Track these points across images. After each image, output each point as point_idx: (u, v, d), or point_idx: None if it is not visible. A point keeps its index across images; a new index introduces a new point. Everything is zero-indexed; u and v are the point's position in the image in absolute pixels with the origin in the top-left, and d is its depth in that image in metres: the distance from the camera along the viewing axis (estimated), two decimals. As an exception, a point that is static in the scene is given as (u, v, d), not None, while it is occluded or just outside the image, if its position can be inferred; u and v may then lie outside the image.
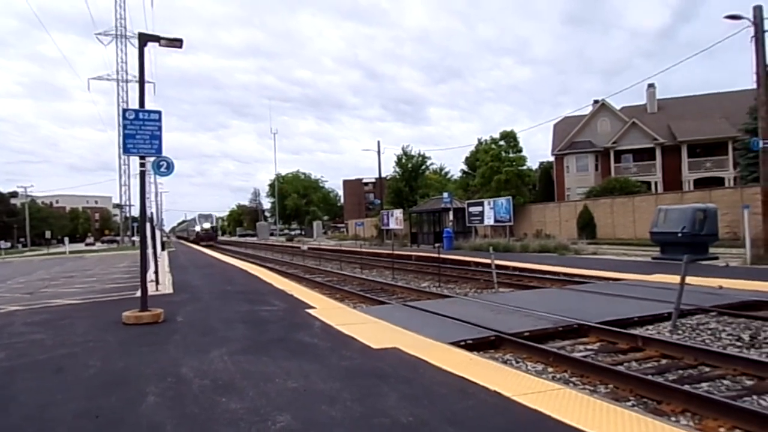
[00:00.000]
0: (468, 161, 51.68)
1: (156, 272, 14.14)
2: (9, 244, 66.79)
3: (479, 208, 31.47)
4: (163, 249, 27.49)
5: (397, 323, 7.44)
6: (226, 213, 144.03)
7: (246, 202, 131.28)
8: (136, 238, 74.14)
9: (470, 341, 6.74)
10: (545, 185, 48.75)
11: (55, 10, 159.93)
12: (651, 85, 46.52)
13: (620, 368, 5.75)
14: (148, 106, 8.79)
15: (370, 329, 7.08)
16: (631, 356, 6.42)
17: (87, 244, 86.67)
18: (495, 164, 41.72)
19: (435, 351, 5.69)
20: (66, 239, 58.17)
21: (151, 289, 10.82)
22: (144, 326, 7.86)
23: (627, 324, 7.78)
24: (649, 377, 5.25)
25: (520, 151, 43.13)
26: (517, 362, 6.31)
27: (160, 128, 8.43)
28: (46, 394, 4.65)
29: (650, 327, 7.84)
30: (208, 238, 63.53)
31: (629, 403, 4.71)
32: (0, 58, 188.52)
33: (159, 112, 8.52)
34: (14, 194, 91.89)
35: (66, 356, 6.18)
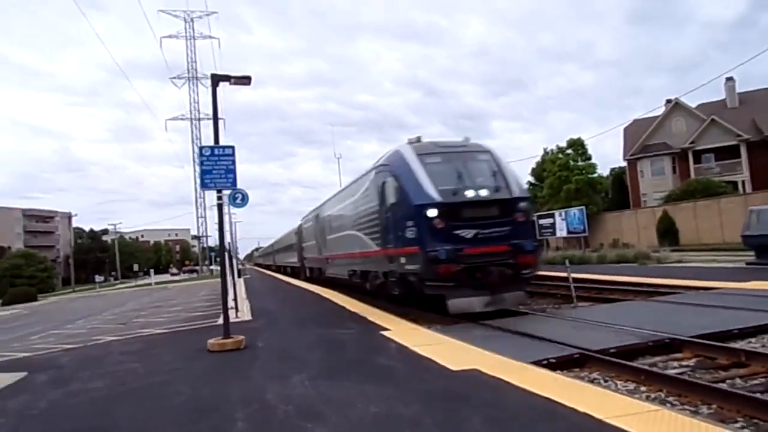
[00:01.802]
0: (534, 172, 50.35)
1: (235, 299, 14.71)
2: (102, 278, 72.12)
3: (550, 220, 30.51)
4: (239, 276, 28.63)
5: (475, 343, 7.27)
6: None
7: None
8: (213, 267, 77.76)
9: (552, 360, 6.47)
10: (618, 192, 46.53)
11: (137, 59, 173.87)
12: (730, 79, 43.45)
13: (723, 386, 5.31)
14: (220, 141, 9.28)
15: (447, 350, 6.97)
16: (733, 372, 5.92)
17: (172, 275, 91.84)
18: (563, 174, 40.42)
19: (516, 371, 5.51)
20: (152, 271, 62.06)
21: (230, 316, 11.26)
22: (227, 353, 8.17)
23: (726, 337, 7.19)
24: (758, 395, 4.81)
25: (589, 158, 41.61)
26: (606, 381, 5.97)
27: (234, 162, 8.85)
28: (143, 421, 4.91)
29: (753, 340, 7.21)
30: None
31: (738, 425, 4.33)
32: (91, 108, 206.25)
33: (232, 147, 8.95)
34: (105, 231, 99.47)
35: (159, 384, 6.51)
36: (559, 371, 5.77)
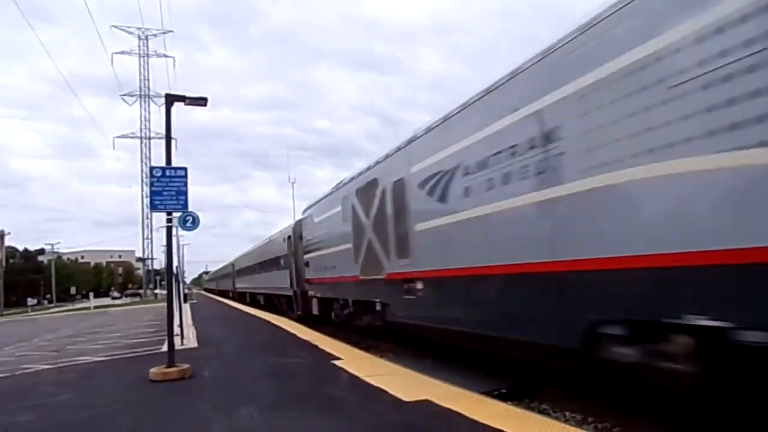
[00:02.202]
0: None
1: (180, 326, 14.12)
2: (35, 301, 67.80)
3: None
4: (185, 301, 27.61)
5: (426, 373, 7.25)
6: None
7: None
8: (158, 291, 74.77)
9: (503, 390, 6.53)
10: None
11: (87, 74, 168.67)
12: None
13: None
14: (172, 162, 9.03)
15: (399, 380, 6.90)
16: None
17: (113, 298, 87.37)
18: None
19: (468, 402, 5.50)
20: (91, 294, 58.92)
21: (176, 343, 10.78)
22: (171, 383, 7.79)
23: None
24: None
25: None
26: (555, 412, 6.06)
27: (186, 184, 8.61)
28: (76, 459, 4.57)
29: None
30: None
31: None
32: (33, 121, 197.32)
33: (185, 169, 8.73)
34: (41, 251, 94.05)
35: (94, 418, 6.11)
36: (510, 402, 5.81)
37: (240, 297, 39.78)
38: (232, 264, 44.22)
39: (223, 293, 53.91)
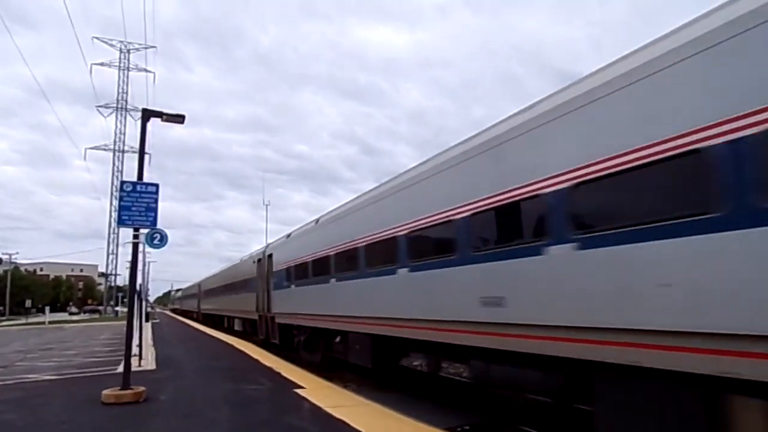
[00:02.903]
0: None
1: (140, 345, 13.64)
2: (-14, 313, 64.73)
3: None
4: (147, 320, 26.74)
5: (390, 406, 7.14)
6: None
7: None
8: (119, 308, 72.30)
9: (467, 427, 6.46)
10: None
11: (64, 83, 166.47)
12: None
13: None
14: (144, 177, 8.88)
15: (361, 412, 6.77)
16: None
17: (71, 314, 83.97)
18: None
19: (431, 438, 5.42)
20: (47, 308, 56.50)
21: (133, 364, 10.40)
22: (124, 406, 7.47)
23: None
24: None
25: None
26: (516, 451, 6.01)
27: (156, 201, 8.47)
28: (14, 484, 4.31)
29: None
30: None
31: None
32: (2, 127, 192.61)
33: (156, 185, 8.59)
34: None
35: (38, 439, 5.80)
36: (472, 439, 5.74)
37: (205, 319, 38.94)
38: (198, 284, 44.09)
39: (186, 314, 52.35)
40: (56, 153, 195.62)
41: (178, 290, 63.25)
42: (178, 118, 9.32)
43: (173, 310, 77.61)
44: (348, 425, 6.04)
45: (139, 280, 10.22)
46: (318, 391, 8.45)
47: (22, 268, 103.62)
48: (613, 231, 4.40)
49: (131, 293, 9.06)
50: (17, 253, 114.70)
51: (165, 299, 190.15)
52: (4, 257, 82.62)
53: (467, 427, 6.50)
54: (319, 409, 7.03)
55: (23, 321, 59.15)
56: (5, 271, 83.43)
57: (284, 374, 10.49)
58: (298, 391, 8.46)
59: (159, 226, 8.85)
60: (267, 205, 48.99)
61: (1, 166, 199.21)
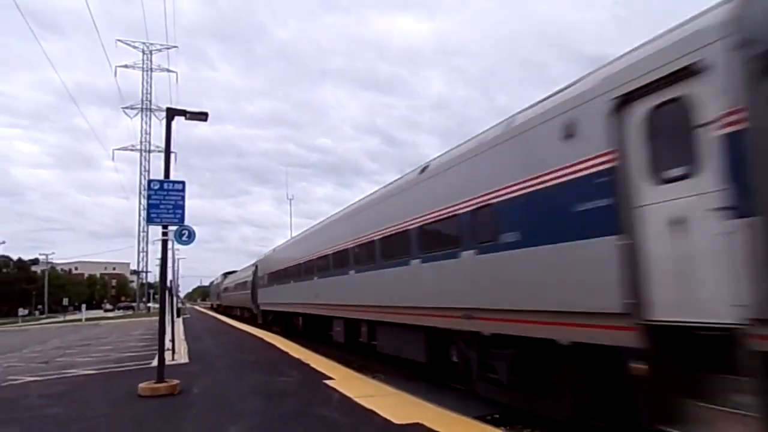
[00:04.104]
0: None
1: (172, 340, 13.98)
2: (26, 311, 67.03)
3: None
4: (178, 316, 27.35)
5: (418, 395, 7.17)
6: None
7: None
8: (151, 304, 74.09)
9: (497, 416, 6.45)
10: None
11: (91, 86, 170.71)
12: None
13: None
14: (171, 175, 9.03)
15: (390, 402, 6.82)
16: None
17: (106, 311, 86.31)
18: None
19: (461, 426, 5.44)
20: (83, 306, 58.24)
21: (167, 358, 10.67)
22: (160, 398, 7.68)
23: None
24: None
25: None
26: (547, 438, 5.98)
27: (183, 198, 8.62)
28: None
29: None
30: None
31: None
32: (35, 131, 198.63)
33: (183, 183, 8.74)
34: (35, 261, 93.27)
35: (80, 432, 6.02)
36: (503, 427, 5.74)
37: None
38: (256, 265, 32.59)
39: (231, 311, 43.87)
40: (86, 155, 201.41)
41: (229, 274, 46.76)
42: (202, 116, 9.45)
43: (216, 308, 60.42)
44: (378, 414, 6.10)
45: (169, 277, 10.45)
46: (347, 382, 8.54)
47: (58, 268, 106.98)
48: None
49: (162, 289, 9.27)
50: (53, 253, 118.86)
51: (195, 294, 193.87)
52: (41, 258, 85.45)
53: (497, 416, 6.49)
54: (348, 399, 7.11)
55: (61, 318, 61.20)
56: (42, 271, 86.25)
57: (313, 365, 10.63)
58: (328, 382, 8.57)
59: (186, 222, 9.02)
60: (291, 200, 49.46)
61: (34, 169, 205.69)
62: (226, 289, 47.99)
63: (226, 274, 50.63)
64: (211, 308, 68.44)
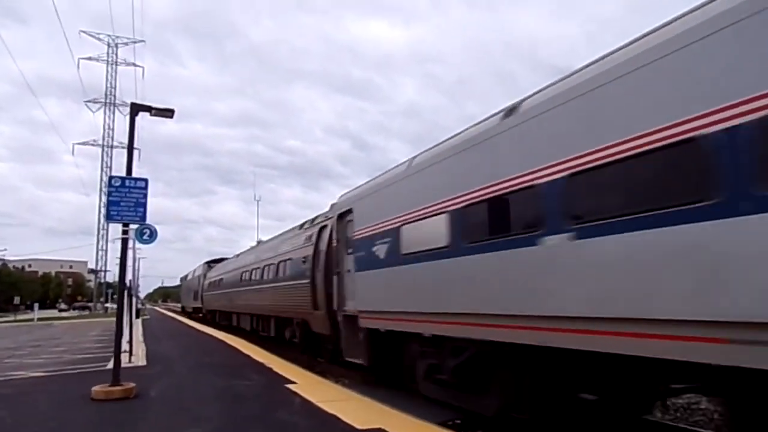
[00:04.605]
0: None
1: (130, 342, 13.56)
2: (-26, 310, 64.02)
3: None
4: (137, 317, 26.57)
5: (381, 400, 7.15)
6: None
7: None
8: (109, 305, 71.79)
9: (458, 421, 6.48)
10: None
11: (57, 77, 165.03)
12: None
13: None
14: (134, 172, 8.80)
15: (353, 407, 6.78)
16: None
17: (60, 310, 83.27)
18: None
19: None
20: (36, 305, 55.97)
21: (123, 360, 10.33)
22: (114, 402, 7.42)
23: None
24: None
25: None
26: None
27: (145, 196, 8.39)
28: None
29: None
30: None
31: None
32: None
33: (145, 180, 8.52)
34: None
35: (27, 436, 5.75)
36: (463, 432, 5.77)
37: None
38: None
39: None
40: (45, 148, 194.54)
41: (215, 262, 34.58)
42: (168, 113, 9.24)
43: (192, 313, 42.99)
44: (339, 419, 6.04)
45: (128, 276, 10.15)
46: (310, 386, 8.45)
47: (10, 265, 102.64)
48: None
49: (120, 289, 8.99)
50: (5, 249, 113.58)
51: (155, 296, 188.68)
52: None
53: (458, 421, 6.53)
54: (310, 403, 7.02)
55: (12, 318, 58.63)
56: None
57: (276, 370, 10.48)
58: (290, 386, 8.46)
59: (149, 221, 8.79)
60: (258, 201, 48.80)
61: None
62: (217, 284, 29.49)
63: (211, 263, 35.21)
64: (182, 312, 52.40)
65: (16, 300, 69.72)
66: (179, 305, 63.55)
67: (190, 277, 44.53)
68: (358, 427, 5.67)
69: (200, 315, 37.38)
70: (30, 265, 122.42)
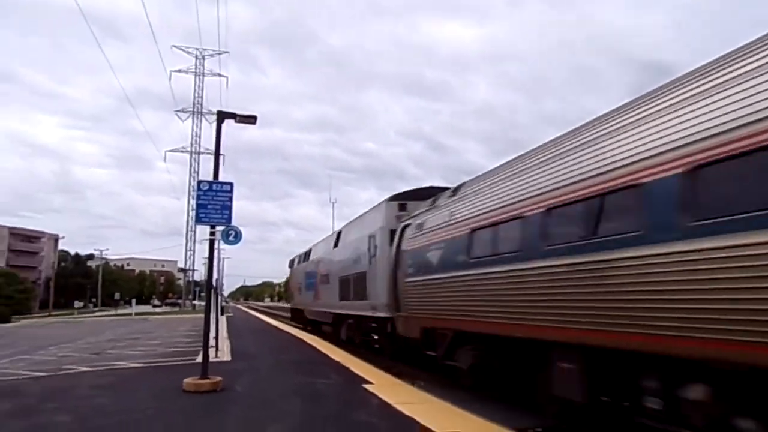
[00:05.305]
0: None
1: (216, 338, 14.31)
2: (82, 304, 70.39)
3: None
4: (222, 314, 28.02)
5: (459, 404, 7.03)
6: (283, 280, 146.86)
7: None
8: (196, 302, 76.31)
9: (539, 429, 6.25)
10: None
11: (152, 89, 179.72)
12: None
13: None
14: (220, 177, 9.25)
15: (430, 410, 6.71)
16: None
17: (153, 306, 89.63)
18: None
19: (502, 439, 5.29)
20: (133, 301, 60.68)
21: (210, 355, 10.91)
22: (203, 394, 7.84)
23: None
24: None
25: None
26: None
27: (230, 199, 8.80)
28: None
29: None
30: None
31: None
32: (95, 132, 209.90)
33: (231, 184, 8.93)
34: (90, 257, 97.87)
35: (126, 424, 6.21)
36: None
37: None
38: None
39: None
40: (141, 156, 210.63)
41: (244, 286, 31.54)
42: (251, 119, 9.65)
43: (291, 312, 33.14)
44: (416, 422, 6.00)
45: (215, 276, 10.71)
46: (386, 387, 8.48)
47: (112, 264, 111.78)
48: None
49: (208, 288, 9.49)
50: (107, 249, 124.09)
51: (237, 294, 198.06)
52: (96, 253, 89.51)
53: (539, 429, 6.29)
54: (387, 404, 7.04)
55: (113, 312, 63.92)
56: (97, 266, 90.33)
57: (353, 369, 10.62)
58: (367, 386, 8.53)
59: (233, 223, 9.21)
60: (334, 204, 49.69)
61: (94, 168, 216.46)
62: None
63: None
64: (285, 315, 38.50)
65: (117, 296, 75.82)
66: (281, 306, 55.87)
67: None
68: (436, 430, 5.60)
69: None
70: (128, 264, 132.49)
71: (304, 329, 24.91)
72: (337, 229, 21.78)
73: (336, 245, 18.80)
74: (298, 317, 28.98)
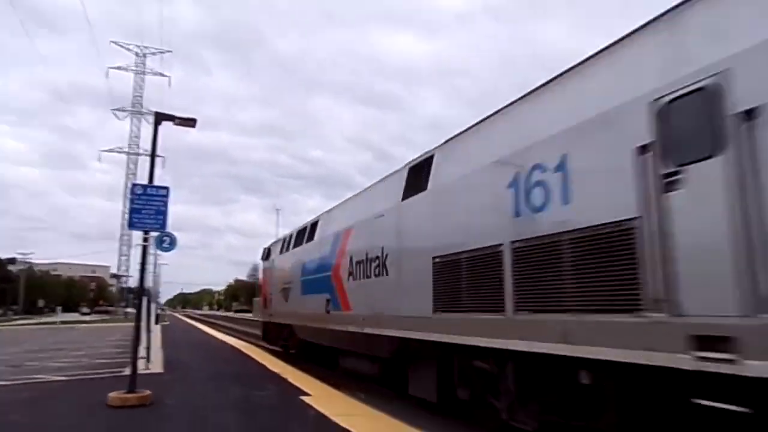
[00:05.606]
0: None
1: (147, 348, 13.66)
2: (1, 311, 65.51)
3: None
4: (156, 322, 26.84)
5: (398, 416, 7.02)
6: (223, 287, 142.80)
7: (244, 277, 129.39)
8: (129, 310, 72.80)
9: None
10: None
11: (90, 85, 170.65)
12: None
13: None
14: (157, 179, 8.92)
15: (368, 422, 6.67)
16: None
17: (82, 314, 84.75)
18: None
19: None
20: (59, 308, 57.00)
21: (140, 366, 10.39)
22: (130, 409, 7.43)
23: None
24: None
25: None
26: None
27: (166, 204, 8.46)
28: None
29: None
30: None
31: None
32: (23, 128, 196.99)
33: (167, 189, 8.59)
34: (12, 260, 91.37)
35: (43, 442, 5.78)
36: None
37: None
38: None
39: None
40: (74, 155, 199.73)
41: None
42: (191, 122, 9.34)
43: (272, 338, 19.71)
44: (353, 435, 5.95)
45: (149, 283, 10.24)
46: (325, 399, 8.36)
47: (37, 269, 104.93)
48: None
49: (139, 295, 9.07)
50: (32, 252, 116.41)
51: (175, 302, 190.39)
52: (19, 257, 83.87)
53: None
54: (324, 417, 6.93)
55: (36, 320, 59.80)
56: (20, 271, 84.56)
57: (291, 380, 10.42)
58: (304, 398, 8.38)
59: (170, 229, 8.87)
60: (278, 210, 48.86)
61: (20, 167, 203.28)
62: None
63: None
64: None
65: (40, 303, 71.14)
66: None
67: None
68: (373, 443, 5.56)
69: None
70: (55, 269, 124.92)
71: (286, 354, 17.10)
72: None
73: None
74: (277, 336, 18.45)
